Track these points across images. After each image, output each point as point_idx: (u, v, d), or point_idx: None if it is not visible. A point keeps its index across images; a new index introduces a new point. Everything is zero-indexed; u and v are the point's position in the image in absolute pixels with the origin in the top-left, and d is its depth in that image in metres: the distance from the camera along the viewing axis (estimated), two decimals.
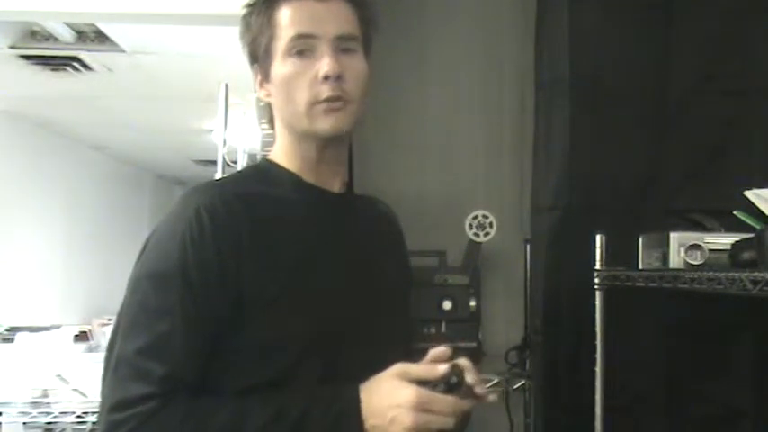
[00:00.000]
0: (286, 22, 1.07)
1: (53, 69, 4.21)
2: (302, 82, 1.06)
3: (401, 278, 1.26)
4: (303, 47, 1.07)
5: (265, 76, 1.12)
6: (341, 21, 1.08)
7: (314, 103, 1.07)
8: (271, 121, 1.19)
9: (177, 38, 3.68)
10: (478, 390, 1.00)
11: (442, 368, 0.97)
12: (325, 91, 1.06)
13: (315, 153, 1.12)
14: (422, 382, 0.97)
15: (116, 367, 0.98)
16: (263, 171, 1.17)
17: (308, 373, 1.02)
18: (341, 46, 1.08)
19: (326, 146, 1.11)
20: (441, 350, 1.02)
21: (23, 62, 4.06)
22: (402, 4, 2.21)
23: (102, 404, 0.99)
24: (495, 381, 1.94)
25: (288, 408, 0.97)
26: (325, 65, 1.05)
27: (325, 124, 1.07)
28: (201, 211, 1.01)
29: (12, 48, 3.80)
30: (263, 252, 1.02)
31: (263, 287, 1.01)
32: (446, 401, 0.96)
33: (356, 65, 1.09)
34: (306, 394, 0.99)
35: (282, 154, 1.15)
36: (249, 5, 1.13)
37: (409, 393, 0.95)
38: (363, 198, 1.28)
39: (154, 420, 0.95)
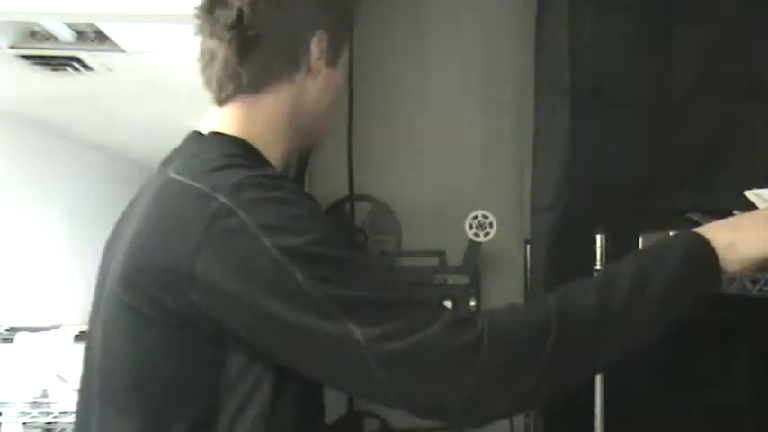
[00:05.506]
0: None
1: (53, 69, 4.19)
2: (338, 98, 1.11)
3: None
4: None
5: (333, 56, 1.09)
6: None
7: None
8: (255, 82, 1.11)
9: (177, 38, 3.66)
10: None
11: None
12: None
13: (289, 156, 1.15)
14: None
15: (357, 307, 0.87)
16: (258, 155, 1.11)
17: None
18: None
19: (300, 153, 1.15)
20: None
21: (23, 62, 4.05)
22: (402, 5, 2.21)
23: (361, 346, 0.86)
24: None
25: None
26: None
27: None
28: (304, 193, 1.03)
29: (12, 48, 3.78)
30: None
31: None
32: None
33: None
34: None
35: (268, 141, 1.11)
36: None
37: None
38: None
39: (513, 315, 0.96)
